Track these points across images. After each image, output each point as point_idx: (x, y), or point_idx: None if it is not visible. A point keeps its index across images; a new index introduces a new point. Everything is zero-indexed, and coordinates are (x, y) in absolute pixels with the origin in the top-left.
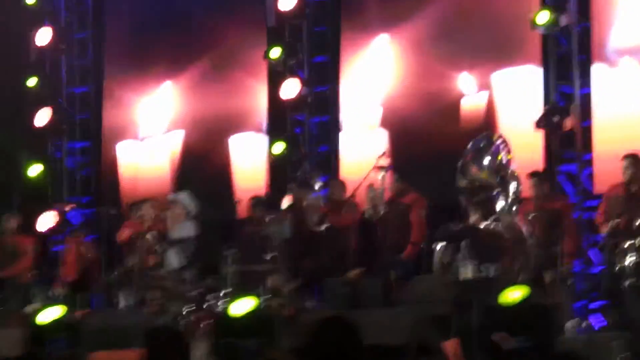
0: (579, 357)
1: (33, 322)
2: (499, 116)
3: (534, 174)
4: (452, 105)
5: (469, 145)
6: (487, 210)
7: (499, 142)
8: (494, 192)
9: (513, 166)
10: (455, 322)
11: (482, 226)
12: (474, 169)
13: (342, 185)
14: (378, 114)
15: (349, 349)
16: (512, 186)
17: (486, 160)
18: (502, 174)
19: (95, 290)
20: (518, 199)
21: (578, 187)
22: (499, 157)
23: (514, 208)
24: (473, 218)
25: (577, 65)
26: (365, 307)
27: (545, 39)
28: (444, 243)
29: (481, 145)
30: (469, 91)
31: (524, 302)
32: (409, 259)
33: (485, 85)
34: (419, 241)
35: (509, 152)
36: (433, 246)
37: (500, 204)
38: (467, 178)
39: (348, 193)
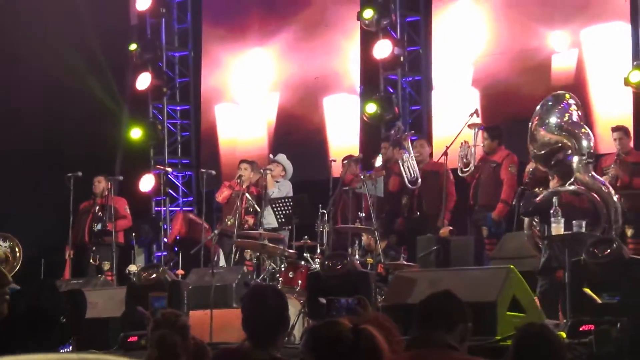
0: None
1: (134, 282)
2: (588, 73)
3: (617, 128)
4: (543, 63)
5: (536, 109)
6: (565, 172)
7: (569, 100)
8: (568, 152)
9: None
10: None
11: (562, 189)
12: (542, 132)
13: (426, 145)
14: (469, 72)
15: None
16: (584, 143)
17: (553, 119)
18: (571, 130)
19: (196, 250)
20: (591, 155)
21: None
22: (566, 116)
23: (589, 166)
24: (552, 183)
25: None
26: (457, 264)
27: None
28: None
29: (549, 104)
30: (559, 49)
31: (613, 256)
32: (500, 217)
33: (575, 43)
34: (509, 199)
35: (578, 109)
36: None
37: (574, 163)
38: (537, 143)
39: (440, 150)
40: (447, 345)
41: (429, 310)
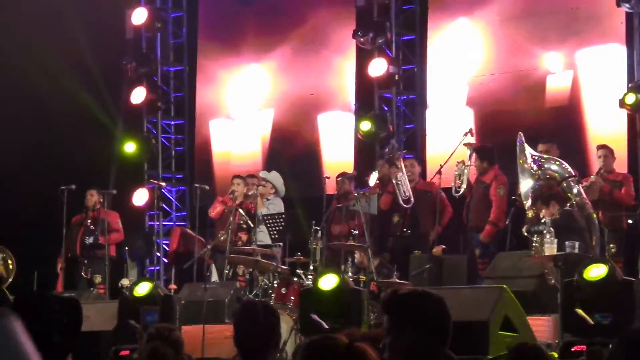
0: None
1: (126, 295)
2: (583, 94)
3: (602, 146)
4: (538, 84)
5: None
6: (560, 198)
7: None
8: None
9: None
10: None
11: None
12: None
13: (416, 164)
14: (464, 92)
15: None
16: (566, 170)
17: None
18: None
19: (189, 265)
20: (577, 180)
21: None
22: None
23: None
24: (547, 211)
25: None
26: (450, 283)
27: (629, 16)
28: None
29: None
30: (555, 69)
31: (606, 278)
32: (487, 239)
33: (570, 64)
34: (497, 220)
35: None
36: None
37: (571, 187)
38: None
39: (434, 169)
40: (450, 358)
41: (434, 324)
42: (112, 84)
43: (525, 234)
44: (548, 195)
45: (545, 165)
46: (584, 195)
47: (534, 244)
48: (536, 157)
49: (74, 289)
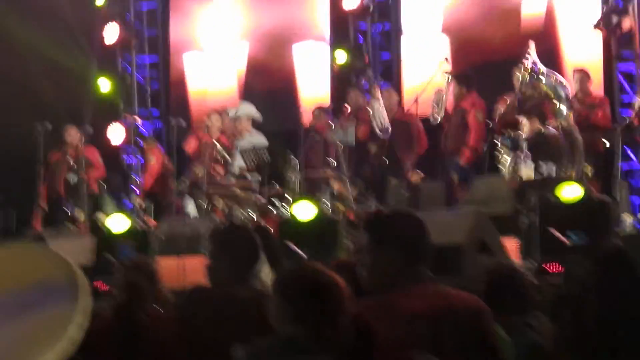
0: (626, 253)
1: (103, 230)
2: (558, 18)
3: (579, 70)
4: (513, 9)
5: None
6: (542, 116)
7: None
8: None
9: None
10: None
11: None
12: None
13: (394, 94)
14: (439, 19)
15: (417, 241)
16: (563, 92)
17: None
18: (553, 82)
19: (166, 199)
20: (570, 104)
21: (636, 86)
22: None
23: (570, 114)
24: (528, 126)
25: None
26: (428, 209)
27: None
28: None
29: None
30: None
31: (582, 198)
32: (467, 163)
33: None
34: (476, 145)
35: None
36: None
37: (561, 110)
38: (535, 90)
39: (411, 97)
40: (431, 278)
41: (416, 244)
42: (85, 24)
43: (498, 142)
44: (537, 111)
45: (543, 80)
46: (572, 122)
47: (503, 160)
48: (536, 68)
49: (55, 226)
